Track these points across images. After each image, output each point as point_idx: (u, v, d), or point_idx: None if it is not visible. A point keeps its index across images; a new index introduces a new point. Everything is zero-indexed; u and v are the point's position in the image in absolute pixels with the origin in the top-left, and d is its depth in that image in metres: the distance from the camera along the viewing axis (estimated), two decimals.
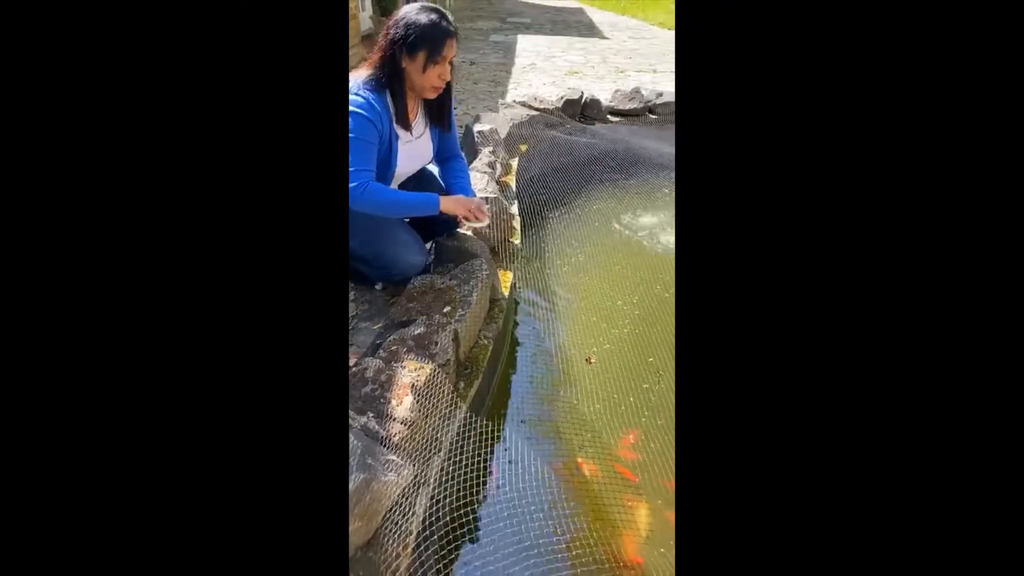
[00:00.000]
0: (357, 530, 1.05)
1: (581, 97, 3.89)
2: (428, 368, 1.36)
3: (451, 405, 1.41)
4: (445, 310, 1.57)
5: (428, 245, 1.96)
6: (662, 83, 5.22)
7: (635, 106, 3.98)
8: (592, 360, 2.01)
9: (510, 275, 2.07)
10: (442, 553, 1.26)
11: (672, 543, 1.45)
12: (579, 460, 1.63)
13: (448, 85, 1.67)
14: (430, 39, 1.50)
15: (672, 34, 7.85)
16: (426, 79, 1.56)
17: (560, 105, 3.80)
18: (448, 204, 1.70)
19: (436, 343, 1.43)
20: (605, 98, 4.05)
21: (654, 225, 2.97)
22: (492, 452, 1.61)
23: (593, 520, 1.48)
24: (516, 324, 2.24)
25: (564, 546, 1.41)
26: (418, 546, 1.16)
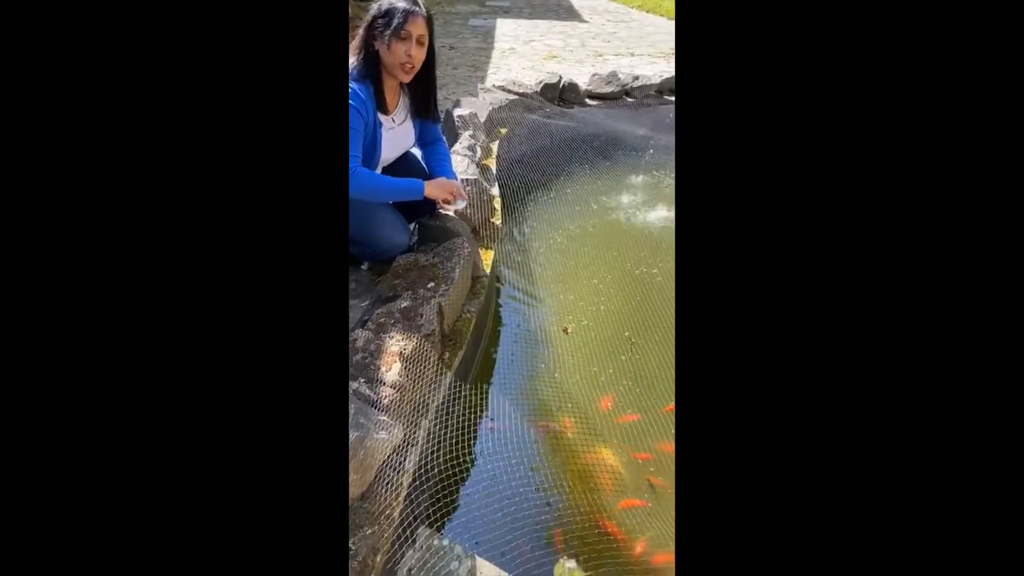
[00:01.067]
0: (353, 482, 1.16)
1: (559, 81, 3.96)
2: (415, 338, 1.46)
3: (437, 372, 1.51)
4: (429, 285, 1.67)
5: (412, 225, 2.04)
6: (639, 66, 5.30)
7: (612, 90, 4.06)
8: (569, 330, 2.13)
9: (491, 253, 2.16)
10: (432, 502, 1.37)
11: (645, 490, 1.59)
12: (564, 419, 1.76)
13: (431, 74, 1.75)
14: (392, 13, 1.56)
15: (650, 17, 7.90)
16: (392, 56, 1.61)
17: (539, 89, 3.86)
18: (432, 189, 1.81)
19: (421, 315, 1.53)
20: (583, 82, 4.13)
21: (630, 205, 3.09)
22: (478, 415, 1.73)
23: (572, 472, 1.61)
24: (499, 299, 2.35)
25: (544, 494, 1.53)
26: (409, 496, 1.27)
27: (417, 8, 1.63)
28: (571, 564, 1.41)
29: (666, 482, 1.62)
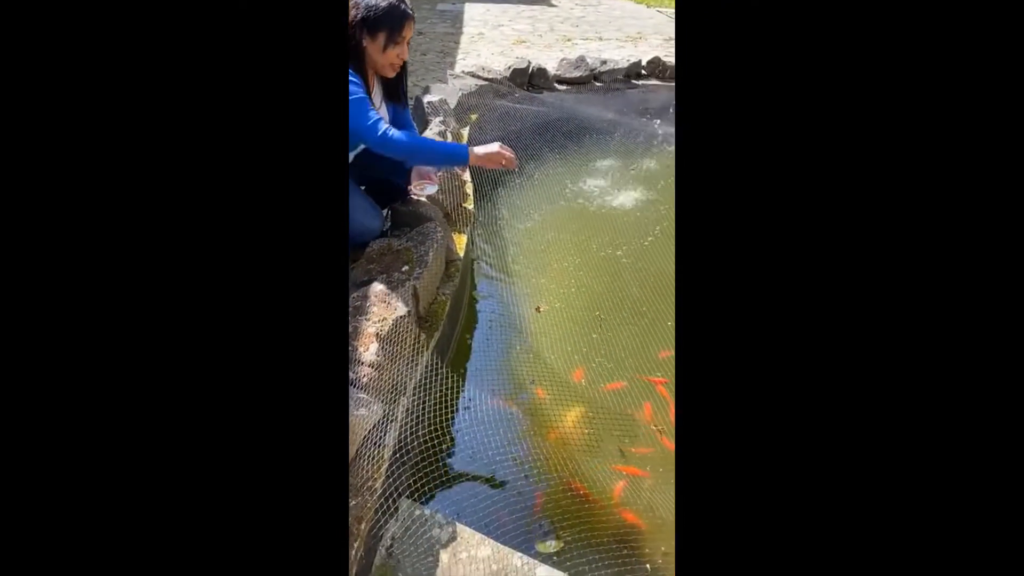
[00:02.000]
0: None
1: (528, 67, 3.98)
2: (391, 319, 1.50)
3: (414, 352, 1.56)
4: (403, 269, 1.71)
5: (384, 211, 2.07)
6: (607, 51, 5.35)
7: (581, 74, 4.11)
8: (541, 309, 2.20)
9: (464, 238, 2.21)
10: (413, 474, 1.43)
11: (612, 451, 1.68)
12: (538, 389, 1.84)
13: (404, 64, 1.78)
14: (390, 21, 1.59)
15: (618, 1, 7.94)
16: (386, 58, 1.66)
17: (508, 75, 3.88)
18: (478, 157, 1.71)
19: (397, 298, 1.57)
20: (552, 67, 4.16)
21: (600, 189, 3.16)
22: (456, 392, 1.79)
23: (549, 440, 1.69)
24: (474, 283, 2.40)
25: (519, 462, 1.61)
26: (391, 469, 1.32)
27: (411, 11, 1.65)
28: (551, 542, 1.49)
29: (640, 446, 1.71)
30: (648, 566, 1.42)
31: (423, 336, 1.69)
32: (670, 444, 1.71)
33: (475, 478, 1.61)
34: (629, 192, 3.12)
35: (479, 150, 1.71)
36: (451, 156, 1.72)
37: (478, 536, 1.31)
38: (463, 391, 1.83)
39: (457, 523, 1.33)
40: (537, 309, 2.18)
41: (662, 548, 1.46)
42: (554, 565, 1.36)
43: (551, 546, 1.46)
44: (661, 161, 3.45)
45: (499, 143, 1.86)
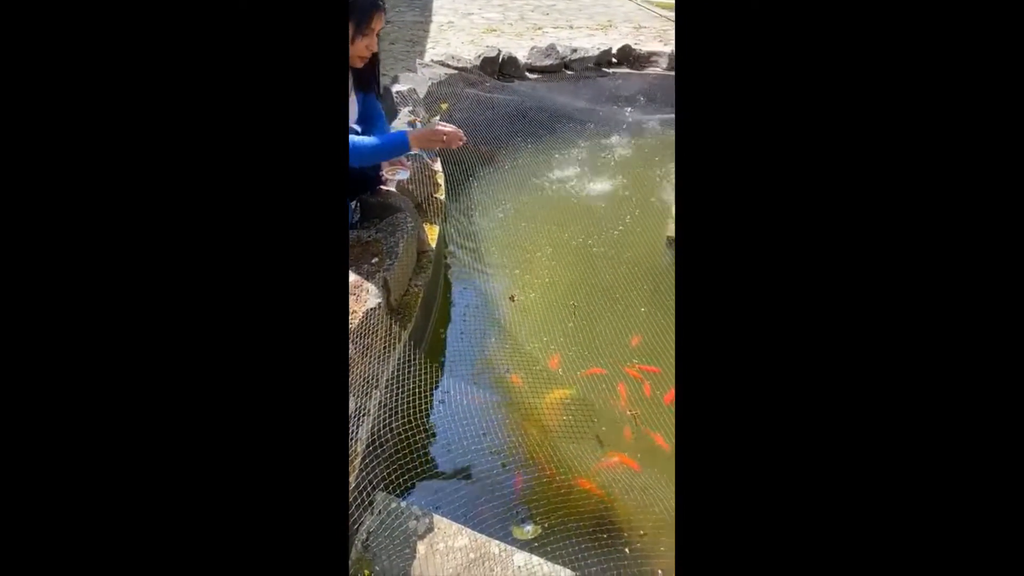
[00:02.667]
0: None
1: (499, 55, 3.95)
2: (361, 312, 1.48)
3: (386, 345, 1.54)
4: (373, 261, 1.68)
5: (353, 203, 2.03)
6: (578, 39, 5.34)
7: (551, 63, 4.09)
8: (515, 298, 2.20)
9: (437, 229, 2.18)
10: (388, 468, 1.42)
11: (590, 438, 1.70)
12: (513, 376, 1.84)
13: (375, 55, 1.74)
14: (358, 11, 1.52)
15: None
16: (355, 50, 1.62)
17: (478, 63, 3.84)
18: (418, 141, 1.68)
19: (367, 290, 1.54)
20: (523, 55, 4.13)
21: (573, 178, 3.16)
22: (432, 384, 1.78)
23: (526, 429, 1.69)
24: (447, 273, 2.38)
25: (496, 451, 1.61)
26: (364, 463, 1.31)
27: (380, 2, 1.61)
28: (528, 528, 1.50)
29: (615, 431, 1.73)
30: (627, 550, 1.44)
31: (396, 328, 1.67)
32: (646, 429, 1.73)
33: (452, 469, 1.61)
34: (601, 181, 3.13)
35: (417, 133, 1.70)
36: (394, 149, 1.71)
37: (455, 526, 1.31)
38: (439, 383, 1.82)
39: (434, 514, 1.32)
40: (511, 298, 2.18)
41: (640, 531, 1.48)
42: (532, 550, 1.37)
43: (528, 532, 1.47)
44: (632, 149, 3.48)
45: (440, 121, 1.83)
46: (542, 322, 2.12)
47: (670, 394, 1.81)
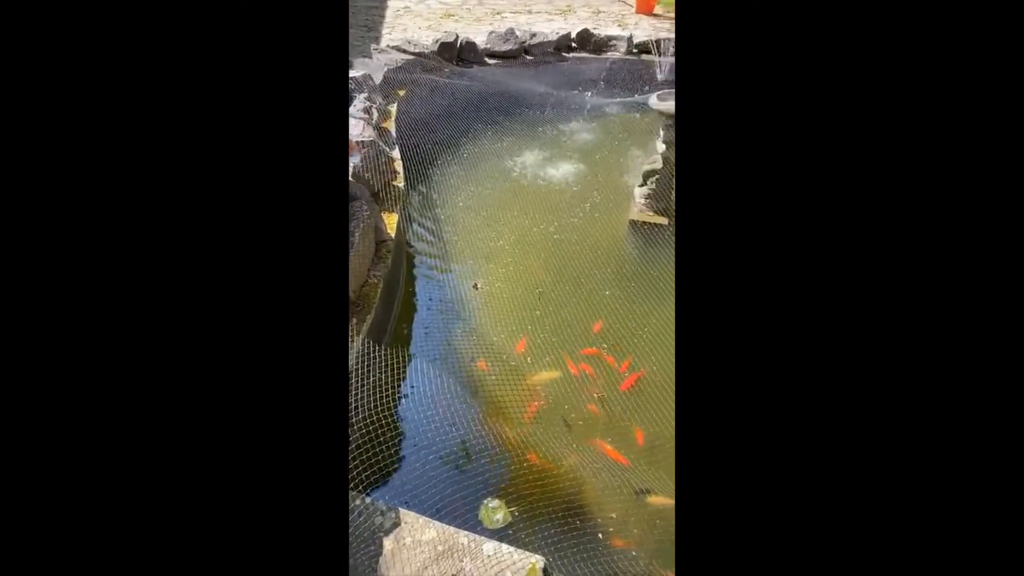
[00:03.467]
0: None
1: (457, 40, 3.86)
2: None
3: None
4: None
5: None
6: (537, 24, 5.29)
7: (511, 48, 4.03)
8: (479, 286, 2.17)
9: (395, 217, 2.12)
10: (351, 461, 1.38)
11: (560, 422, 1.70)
12: (480, 363, 1.82)
13: None
14: None
15: None
16: None
17: (436, 49, 3.75)
18: None
19: None
20: (481, 41, 4.05)
21: (534, 164, 3.13)
22: (398, 376, 1.73)
23: (493, 418, 1.67)
24: (409, 263, 2.33)
25: (464, 441, 1.59)
26: None
27: None
28: (494, 503, 1.48)
29: (581, 415, 1.73)
30: (600, 534, 1.45)
31: (354, 321, 1.62)
32: (597, 410, 1.74)
33: (420, 462, 1.58)
34: (563, 166, 3.11)
35: None
36: None
37: (422, 520, 1.29)
38: (403, 375, 1.77)
39: (400, 509, 1.29)
40: (475, 286, 2.15)
41: (612, 514, 1.49)
42: (502, 539, 1.36)
43: (499, 521, 1.46)
44: (593, 133, 3.47)
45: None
46: (508, 310, 2.10)
47: (628, 381, 1.81)
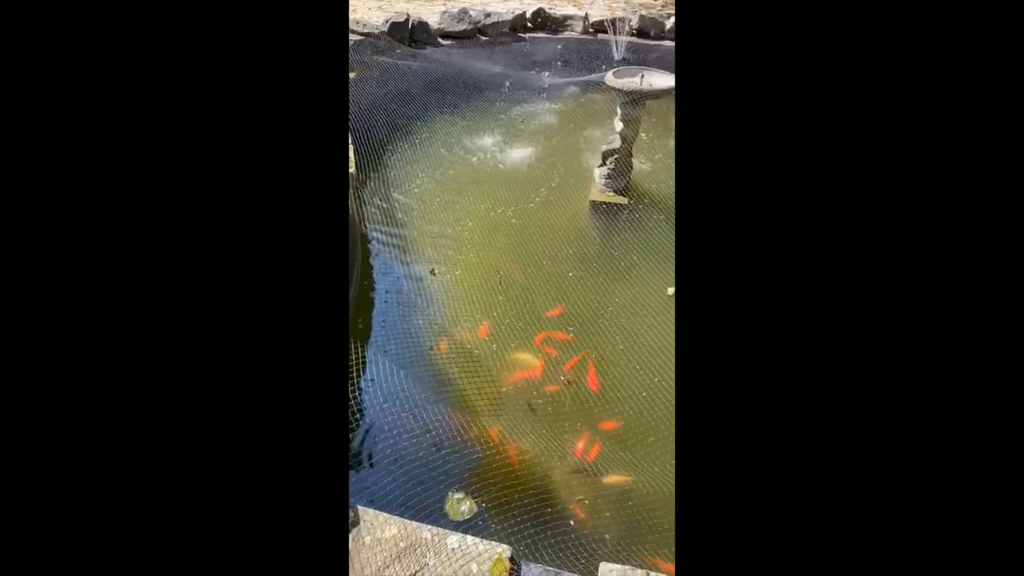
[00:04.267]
0: None
1: (408, 20, 3.73)
2: None
3: None
4: None
5: None
6: (492, 3, 5.16)
7: (465, 27, 3.92)
8: (435, 271, 2.11)
9: (350, 206, 2.03)
10: None
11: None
12: (441, 344, 1.77)
13: None
14: None
15: None
16: None
17: (386, 29, 3.61)
18: None
19: None
20: (434, 21, 3.93)
21: (492, 147, 3.07)
22: (358, 369, 1.66)
23: (457, 407, 1.63)
24: (369, 250, 2.24)
25: (425, 431, 1.54)
26: None
27: None
28: (459, 495, 1.45)
29: (545, 399, 1.70)
30: (572, 521, 1.42)
31: None
32: (561, 389, 1.72)
33: (381, 457, 1.52)
34: (521, 148, 3.06)
35: None
36: None
37: (382, 517, 1.24)
38: (361, 368, 1.71)
39: (358, 507, 1.24)
40: (432, 272, 2.09)
41: (577, 496, 1.48)
42: (468, 530, 1.32)
43: (464, 512, 1.43)
44: (551, 114, 3.42)
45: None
46: (469, 296, 2.05)
47: (592, 377, 1.79)
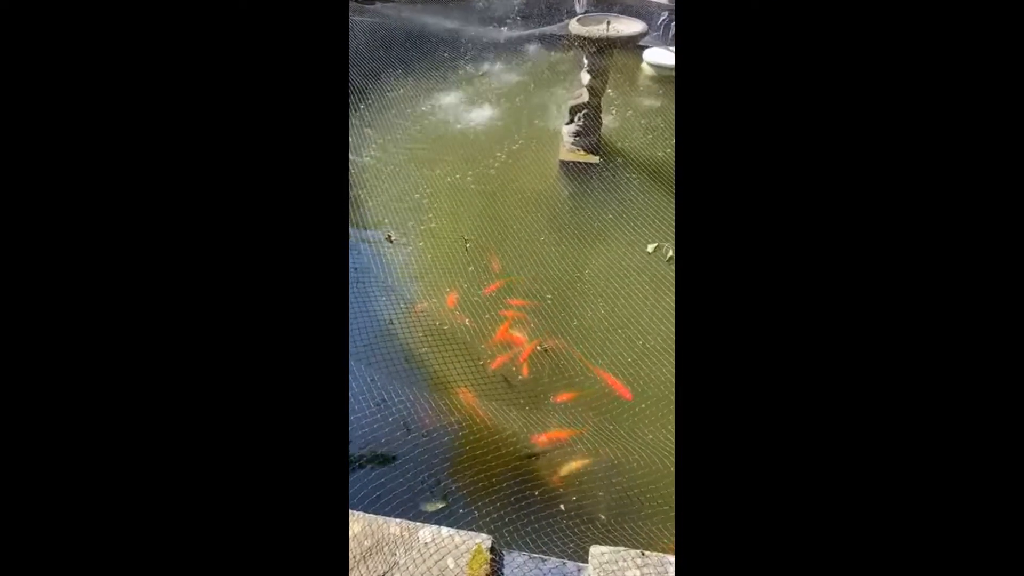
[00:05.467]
0: None
1: None
2: None
3: None
4: None
5: None
6: None
7: None
8: (392, 239, 1.92)
9: None
10: None
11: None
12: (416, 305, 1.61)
13: None
14: None
15: None
16: None
17: None
18: None
19: None
20: None
21: (454, 105, 2.85)
22: None
23: (431, 383, 1.47)
24: None
25: (398, 420, 1.38)
26: None
27: None
28: (437, 500, 1.29)
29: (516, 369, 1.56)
30: (563, 506, 1.29)
31: None
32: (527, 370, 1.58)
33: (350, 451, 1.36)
34: (481, 108, 2.85)
35: None
36: None
37: (360, 515, 1.08)
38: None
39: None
40: (388, 239, 1.90)
41: (563, 477, 1.35)
42: (441, 520, 1.18)
43: (437, 504, 1.28)
44: (511, 71, 3.21)
45: None
46: (433, 267, 1.87)
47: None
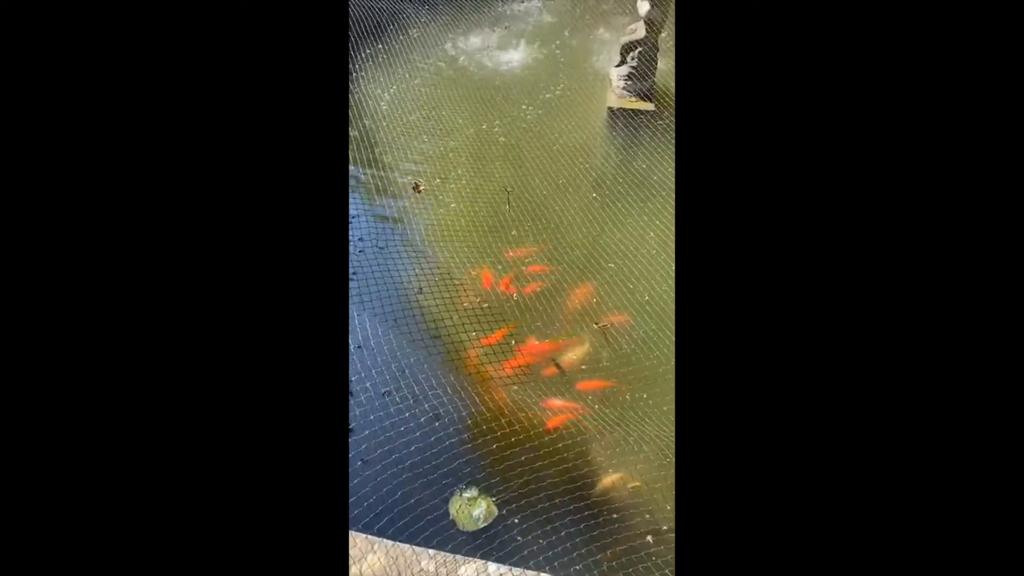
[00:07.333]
0: None
1: None
2: None
3: None
4: None
5: None
6: None
7: None
8: (420, 188, 1.64)
9: None
10: None
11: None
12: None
13: None
14: None
15: None
16: None
17: None
18: None
19: None
20: None
21: (479, 51, 2.52)
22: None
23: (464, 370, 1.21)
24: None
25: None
26: None
27: None
28: (469, 493, 1.03)
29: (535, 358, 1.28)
30: (649, 537, 1.01)
31: None
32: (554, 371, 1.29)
33: (355, 451, 1.10)
34: (514, 51, 2.51)
35: None
36: None
37: (360, 539, 0.82)
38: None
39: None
40: (416, 188, 1.63)
41: (636, 482, 1.07)
42: (488, 551, 0.92)
43: (479, 519, 1.01)
44: (551, 12, 2.84)
45: None
46: (466, 229, 1.58)
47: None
